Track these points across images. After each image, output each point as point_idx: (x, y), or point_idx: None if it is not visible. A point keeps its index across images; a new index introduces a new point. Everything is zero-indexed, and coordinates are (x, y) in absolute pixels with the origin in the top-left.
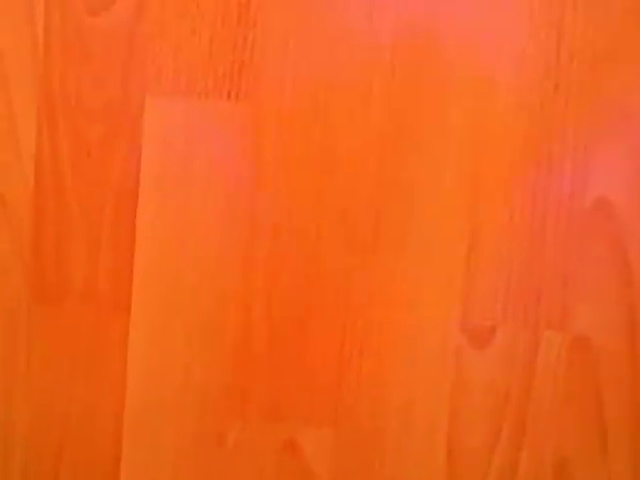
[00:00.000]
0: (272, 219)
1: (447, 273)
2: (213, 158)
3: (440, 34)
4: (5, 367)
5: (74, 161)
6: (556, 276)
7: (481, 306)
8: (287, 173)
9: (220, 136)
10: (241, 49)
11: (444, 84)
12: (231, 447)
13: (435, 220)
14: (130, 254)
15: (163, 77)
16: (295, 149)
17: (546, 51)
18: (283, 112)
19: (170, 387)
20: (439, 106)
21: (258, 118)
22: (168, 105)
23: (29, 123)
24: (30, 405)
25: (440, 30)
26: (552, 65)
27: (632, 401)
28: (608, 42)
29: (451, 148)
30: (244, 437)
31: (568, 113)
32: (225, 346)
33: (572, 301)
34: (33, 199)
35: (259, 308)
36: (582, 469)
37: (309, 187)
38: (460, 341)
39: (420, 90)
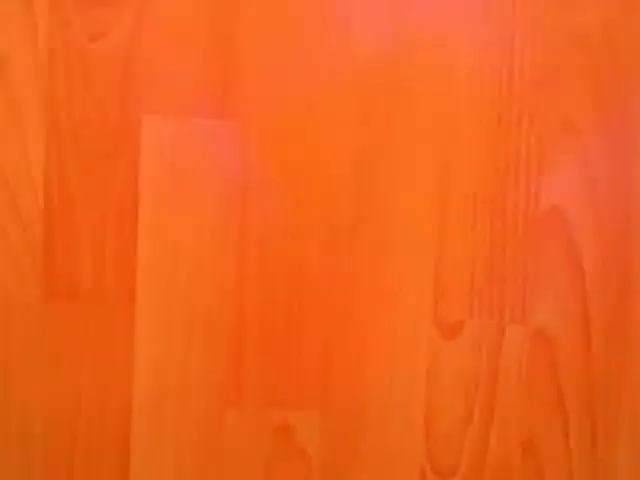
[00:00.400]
0: (260, 225)
1: (419, 273)
2: (204, 169)
3: (406, 57)
4: (21, 359)
5: (79, 175)
6: (516, 275)
7: (450, 302)
8: (272, 183)
9: (210, 150)
10: (228, 72)
11: (412, 101)
12: (230, 430)
13: (408, 227)
14: (133, 255)
15: (158, 97)
16: (278, 161)
17: (499, 73)
18: (266, 129)
19: (173, 376)
20: (408, 122)
21: (244, 134)
22: (162, 123)
23: (38, 141)
24: (45, 395)
25: (406, 54)
26: (505, 85)
27: (587, 384)
28: (555, 64)
29: (420, 162)
30: (242, 421)
31: (522, 129)
32: (222, 339)
33: (531, 297)
34: (44, 208)
35: (251, 305)
36: (546, 446)
37: (292, 195)
38: (432, 333)
39: (391, 110)
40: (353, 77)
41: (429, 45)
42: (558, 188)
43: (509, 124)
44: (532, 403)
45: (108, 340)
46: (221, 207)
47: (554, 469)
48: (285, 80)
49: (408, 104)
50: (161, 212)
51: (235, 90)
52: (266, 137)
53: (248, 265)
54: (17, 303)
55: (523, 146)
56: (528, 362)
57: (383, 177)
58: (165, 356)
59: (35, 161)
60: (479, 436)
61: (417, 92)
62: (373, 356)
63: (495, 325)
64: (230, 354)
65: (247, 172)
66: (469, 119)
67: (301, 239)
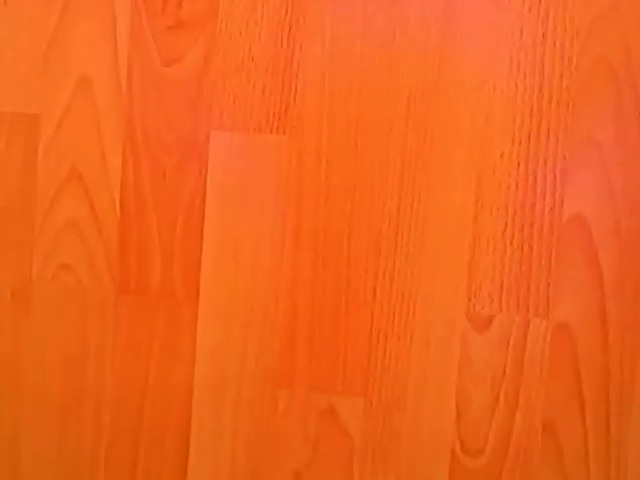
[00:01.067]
0: (313, 229)
1: (454, 273)
2: (265, 180)
3: (446, 81)
4: (97, 347)
5: (152, 183)
6: (541, 275)
7: (482, 299)
8: (324, 192)
9: (270, 162)
10: (286, 94)
11: (452, 117)
12: (281, 413)
13: (444, 231)
14: (198, 257)
15: (225, 116)
16: (330, 172)
17: (531, 94)
18: (320, 143)
19: (231, 363)
20: (448, 136)
21: (300, 148)
22: (229, 138)
23: (116, 153)
24: (116, 381)
25: (447, 76)
26: (535, 105)
27: (603, 373)
28: (580, 86)
29: (458, 173)
30: (292, 404)
31: (549, 144)
32: (276, 331)
33: (554, 295)
34: (119, 214)
35: (303, 302)
36: (565, 428)
37: (342, 204)
38: (465, 326)
39: (432, 126)
40: (393, 99)
41: (470, 67)
42: (580, 197)
43: (538, 139)
44: (553, 390)
45: (173, 332)
46: (278, 214)
47: (572, 449)
48: (336, 101)
49: (449, 120)
50: (225, 219)
51: (294, 109)
52: (320, 151)
53: (301, 266)
54: (92, 298)
55: (550, 159)
56: (550, 353)
57: (424, 186)
58: (224, 347)
59: (113, 171)
60: (504, 420)
61: (457, 109)
62: (411, 347)
63: (521, 319)
64: (283, 345)
65: (302, 182)
66: (502, 134)
67: (349, 242)
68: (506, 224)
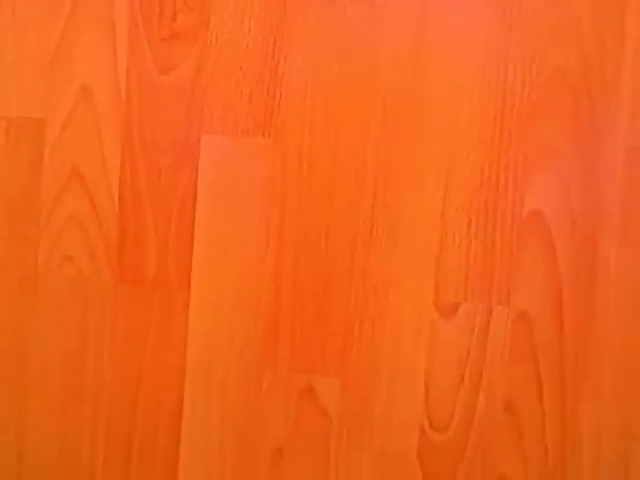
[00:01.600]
0: (295, 225)
1: (424, 265)
2: (251, 179)
3: (418, 90)
4: (96, 331)
5: (148, 182)
6: (503, 267)
7: (448, 289)
8: (306, 191)
9: (256, 164)
10: (271, 100)
11: (422, 125)
12: (265, 392)
13: (415, 227)
14: (190, 248)
15: (215, 120)
16: (310, 172)
17: (495, 102)
18: (302, 147)
19: (220, 347)
20: (419, 139)
21: (284, 151)
22: (219, 141)
23: (115, 156)
24: (114, 362)
25: (418, 86)
26: (499, 114)
27: (558, 357)
28: (540, 96)
29: (427, 175)
30: (274, 384)
31: (511, 149)
32: (260, 317)
33: (515, 285)
34: (118, 210)
35: (286, 291)
36: (524, 407)
37: (322, 202)
38: (433, 314)
39: (402, 131)
40: (370, 110)
41: (440, 76)
42: (539, 196)
43: (501, 143)
44: (513, 372)
45: (167, 318)
46: (264, 211)
47: (530, 427)
48: (318, 107)
49: (420, 125)
50: (215, 214)
51: (278, 115)
52: (302, 154)
53: (284, 258)
54: (92, 287)
55: (511, 162)
56: (511, 338)
57: (397, 187)
58: (213, 332)
59: (112, 170)
60: (468, 399)
61: (428, 115)
62: (384, 333)
63: (485, 307)
64: (266, 330)
65: (285, 182)
66: (469, 138)
67: (327, 238)
68: (471, 220)
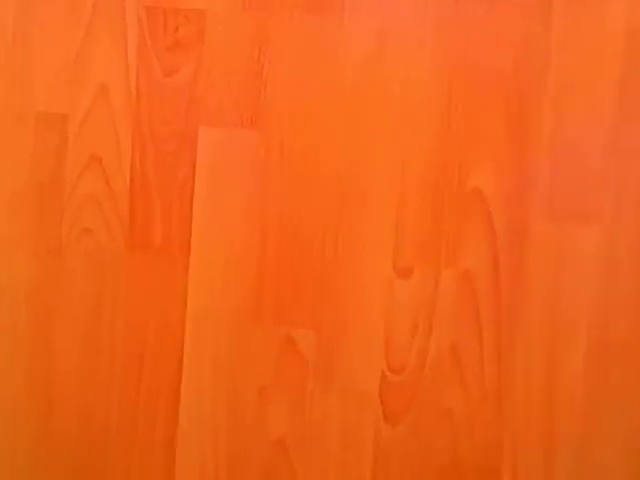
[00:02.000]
0: (277, 201)
1: (384, 232)
2: (240, 163)
3: (380, 88)
4: (111, 295)
5: (155, 166)
6: (450, 235)
7: (405, 254)
8: (286, 176)
9: (244, 151)
10: (257, 98)
11: (384, 122)
12: (252, 341)
13: (377, 203)
14: (189, 222)
15: (210, 114)
16: (290, 160)
17: (443, 102)
18: (284, 136)
19: (214, 303)
20: (381, 131)
21: (268, 140)
22: (214, 132)
23: (127, 142)
24: (127, 315)
25: (380, 84)
26: (445, 110)
27: (496, 308)
28: (478, 97)
29: (389, 162)
30: (260, 334)
31: (457, 139)
32: (248, 278)
33: (460, 249)
34: (129, 189)
35: (269, 257)
36: (467, 351)
37: (300, 185)
38: (392, 275)
39: (367, 125)
40: (340, 109)
41: (397, 79)
42: (479, 176)
43: (448, 134)
44: (459, 322)
45: (170, 279)
46: (252, 192)
47: (472, 367)
48: (297, 106)
49: (380, 120)
50: (210, 193)
51: (262, 110)
52: (283, 142)
53: (268, 231)
54: (108, 254)
55: (456, 149)
56: (456, 293)
57: (363, 169)
58: (208, 291)
59: (124, 156)
60: (421, 344)
61: (387, 111)
62: (351, 292)
63: (434, 270)
64: (254, 290)
65: (269, 167)
66: (422, 130)
67: (305, 211)
68: (425, 196)
